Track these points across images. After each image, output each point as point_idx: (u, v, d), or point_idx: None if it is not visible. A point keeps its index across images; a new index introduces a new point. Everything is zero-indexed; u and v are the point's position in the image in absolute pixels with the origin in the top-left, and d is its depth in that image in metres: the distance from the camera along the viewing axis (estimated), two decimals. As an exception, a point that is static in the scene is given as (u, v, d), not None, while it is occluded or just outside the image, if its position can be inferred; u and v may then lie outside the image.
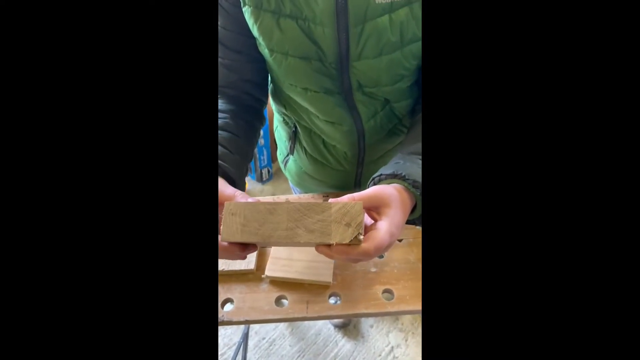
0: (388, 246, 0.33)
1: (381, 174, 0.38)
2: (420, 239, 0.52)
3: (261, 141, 1.54)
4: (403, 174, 0.36)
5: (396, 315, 0.47)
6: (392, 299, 0.45)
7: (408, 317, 1.18)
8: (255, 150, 1.55)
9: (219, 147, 0.42)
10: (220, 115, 0.46)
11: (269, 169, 1.66)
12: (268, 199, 0.61)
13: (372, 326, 1.16)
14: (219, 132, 0.44)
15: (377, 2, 0.38)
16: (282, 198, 0.60)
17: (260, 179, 1.67)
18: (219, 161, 0.40)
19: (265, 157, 1.59)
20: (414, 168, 0.37)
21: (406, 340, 1.12)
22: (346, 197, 0.33)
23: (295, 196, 0.66)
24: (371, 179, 0.39)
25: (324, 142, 0.58)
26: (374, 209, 0.35)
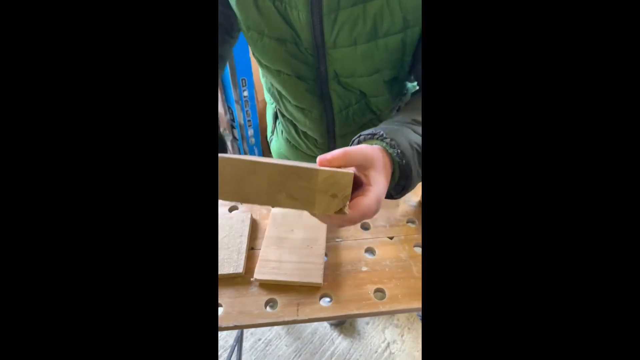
0: (374, 213, 0.30)
1: (360, 135, 0.36)
2: (411, 237, 0.52)
3: (252, 139, 1.52)
4: (382, 133, 0.34)
5: (388, 314, 0.46)
6: (384, 298, 0.44)
7: (404, 313, 1.18)
8: (247, 148, 1.53)
9: None
10: None
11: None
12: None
13: (368, 323, 1.15)
14: None
15: None
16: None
17: (252, 178, 1.65)
18: None
19: (256, 153, 1.58)
20: (394, 130, 0.35)
21: (402, 336, 1.12)
22: (339, 152, 0.29)
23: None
24: (352, 141, 0.37)
25: (295, 127, 0.58)
26: (363, 168, 0.31)
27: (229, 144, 1.54)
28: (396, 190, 0.36)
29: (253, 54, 0.49)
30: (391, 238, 0.52)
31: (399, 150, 0.33)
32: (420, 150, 0.35)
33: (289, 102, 0.51)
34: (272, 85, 0.52)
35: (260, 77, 0.60)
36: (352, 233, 0.53)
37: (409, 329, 1.14)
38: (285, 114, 0.57)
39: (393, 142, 0.33)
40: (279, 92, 0.51)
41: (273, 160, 0.29)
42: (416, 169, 0.35)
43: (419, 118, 0.39)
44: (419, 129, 0.37)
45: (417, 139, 0.36)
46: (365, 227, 0.54)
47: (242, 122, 1.43)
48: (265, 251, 0.49)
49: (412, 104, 0.43)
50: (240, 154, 1.56)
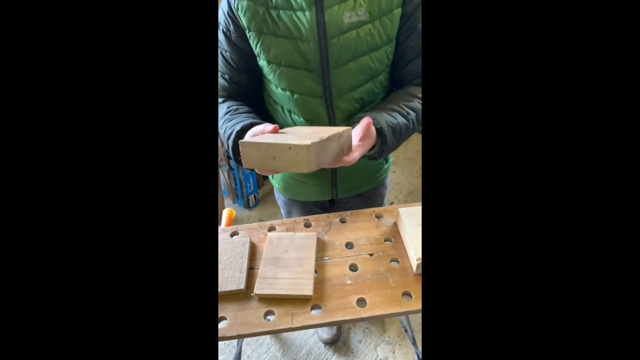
0: (354, 160, 0.52)
1: (355, 117, 0.59)
2: (388, 253, 0.60)
3: (247, 169, 1.61)
4: (374, 117, 0.56)
5: (369, 320, 0.54)
6: (365, 306, 0.52)
7: (394, 330, 1.24)
8: (242, 177, 1.62)
9: (245, 112, 0.60)
10: (234, 104, 0.63)
11: (256, 195, 1.72)
12: (254, 225, 0.68)
13: (360, 341, 1.21)
14: (239, 107, 0.61)
15: (345, 22, 0.53)
16: (267, 223, 0.67)
17: (247, 205, 1.72)
18: (248, 115, 0.59)
19: (251, 184, 1.66)
20: (377, 114, 0.57)
21: (393, 353, 1.17)
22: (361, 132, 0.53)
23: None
24: (352, 120, 0.60)
25: None
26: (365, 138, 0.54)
27: (225, 173, 1.63)
28: (376, 152, 0.57)
29: (267, 89, 0.64)
30: (371, 255, 0.60)
31: (379, 126, 0.55)
32: (397, 129, 0.57)
33: (299, 116, 0.64)
34: (282, 108, 0.66)
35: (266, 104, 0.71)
36: (338, 252, 0.61)
37: (399, 345, 1.19)
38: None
39: (377, 121, 0.55)
40: (289, 111, 0.65)
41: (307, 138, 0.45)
42: (391, 141, 0.57)
43: (402, 106, 0.60)
44: (398, 113, 0.59)
45: (395, 121, 0.57)
46: (350, 246, 0.62)
47: (237, 152, 1.53)
48: (263, 270, 0.57)
49: (388, 100, 0.63)
50: (236, 182, 1.65)
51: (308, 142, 0.43)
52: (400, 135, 0.58)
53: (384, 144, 0.56)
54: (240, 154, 0.45)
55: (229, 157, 1.59)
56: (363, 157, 0.58)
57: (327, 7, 0.53)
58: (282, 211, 0.89)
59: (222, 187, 1.67)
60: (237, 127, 0.56)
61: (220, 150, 1.57)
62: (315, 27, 0.53)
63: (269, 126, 0.50)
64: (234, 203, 1.77)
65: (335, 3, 0.53)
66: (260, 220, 0.69)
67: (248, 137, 0.52)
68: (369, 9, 0.53)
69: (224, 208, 1.70)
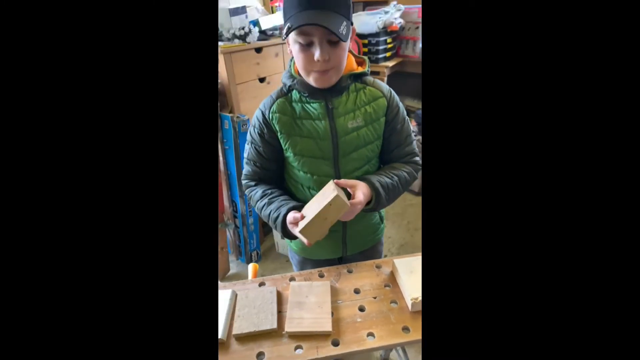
0: (363, 201, 0.73)
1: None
2: (388, 296, 0.75)
3: (251, 227, 1.76)
4: (365, 177, 0.78)
5: (378, 350, 0.67)
6: (374, 338, 0.67)
7: (394, 378, 1.31)
8: (247, 235, 1.76)
9: (280, 196, 0.82)
10: (267, 187, 0.85)
11: (258, 251, 1.85)
12: (277, 276, 0.83)
13: (363, 391, 1.27)
14: (272, 190, 0.84)
15: (349, 127, 0.79)
16: (287, 275, 0.82)
17: (250, 261, 1.84)
18: (283, 199, 0.81)
19: (254, 240, 1.80)
20: (372, 176, 0.79)
21: (394, 400, 1.23)
22: (346, 180, 0.76)
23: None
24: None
25: None
26: (354, 188, 0.74)
27: (231, 232, 1.77)
28: (374, 204, 0.77)
29: (291, 173, 0.87)
30: (375, 298, 0.75)
31: (372, 184, 0.76)
32: (385, 185, 0.77)
33: (315, 191, 0.83)
34: (302, 185, 0.86)
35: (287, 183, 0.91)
36: (348, 296, 0.76)
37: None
38: (310, 199, 0.86)
39: (370, 181, 0.77)
40: (308, 187, 0.86)
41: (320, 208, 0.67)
42: (383, 194, 0.77)
43: (388, 172, 0.81)
44: (385, 176, 0.79)
45: (383, 180, 0.78)
46: (357, 292, 0.77)
47: (244, 212, 1.69)
48: (290, 312, 0.71)
49: (382, 170, 0.84)
50: (240, 240, 1.78)
51: (334, 193, 0.66)
52: (389, 190, 0.79)
53: (379, 195, 0.77)
54: (305, 237, 0.69)
55: (234, 217, 1.75)
56: (364, 210, 0.78)
57: (336, 118, 0.79)
58: (295, 269, 1.03)
59: (228, 244, 1.80)
60: (283, 211, 0.77)
61: (228, 211, 1.73)
62: (329, 130, 0.78)
63: (297, 214, 0.72)
64: (237, 259, 1.88)
65: (341, 115, 0.79)
66: (262, 275, 0.88)
67: (291, 225, 0.74)
68: (364, 118, 0.80)
69: (228, 264, 1.80)
